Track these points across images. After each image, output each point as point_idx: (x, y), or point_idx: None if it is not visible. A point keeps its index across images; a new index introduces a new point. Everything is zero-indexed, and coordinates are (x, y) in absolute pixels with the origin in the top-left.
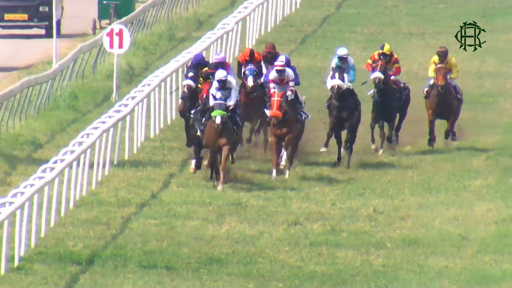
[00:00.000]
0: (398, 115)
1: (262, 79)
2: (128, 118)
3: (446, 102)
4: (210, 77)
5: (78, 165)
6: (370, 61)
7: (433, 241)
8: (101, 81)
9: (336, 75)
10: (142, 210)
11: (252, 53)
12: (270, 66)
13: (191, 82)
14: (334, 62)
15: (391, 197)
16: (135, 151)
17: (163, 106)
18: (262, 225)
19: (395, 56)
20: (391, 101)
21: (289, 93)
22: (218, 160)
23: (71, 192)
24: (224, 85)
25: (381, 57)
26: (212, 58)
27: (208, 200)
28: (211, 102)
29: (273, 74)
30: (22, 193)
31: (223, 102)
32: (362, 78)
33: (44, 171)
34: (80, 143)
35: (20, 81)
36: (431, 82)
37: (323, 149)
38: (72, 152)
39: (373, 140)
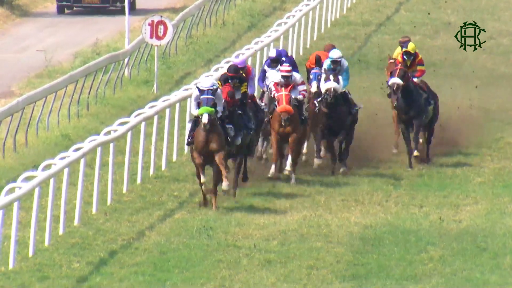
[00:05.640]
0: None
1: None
2: None
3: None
4: (230, 81)
5: None
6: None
7: None
8: None
9: (331, 77)
10: (380, 28)
11: (318, 59)
12: None
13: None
14: (326, 64)
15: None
16: None
17: None
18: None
19: (420, 56)
20: (414, 104)
21: (300, 97)
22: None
23: (328, 15)
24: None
25: (405, 56)
26: None
27: None
28: (196, 106)
29: (277, 78)
30: (285, 23)
31: (210, 96)
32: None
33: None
34: None
35: None
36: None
37: (317, 161)
38: None
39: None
